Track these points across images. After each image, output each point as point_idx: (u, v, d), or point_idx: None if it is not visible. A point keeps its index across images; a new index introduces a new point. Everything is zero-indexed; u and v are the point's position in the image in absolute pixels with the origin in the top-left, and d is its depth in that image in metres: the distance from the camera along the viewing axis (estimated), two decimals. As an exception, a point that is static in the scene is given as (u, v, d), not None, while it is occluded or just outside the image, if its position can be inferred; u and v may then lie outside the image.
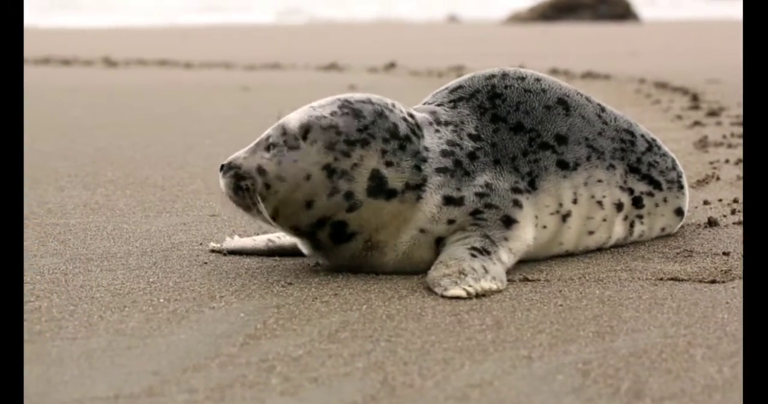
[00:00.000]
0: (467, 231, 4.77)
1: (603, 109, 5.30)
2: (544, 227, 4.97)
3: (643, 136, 5.38)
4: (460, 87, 5.11)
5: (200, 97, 12.95)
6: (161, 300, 4.43)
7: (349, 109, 4.73)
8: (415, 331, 4.01)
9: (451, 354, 3.75)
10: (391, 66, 16.74)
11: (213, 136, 9.65)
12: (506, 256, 4.78)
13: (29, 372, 3.61)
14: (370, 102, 4.79)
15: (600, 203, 5.13)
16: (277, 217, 4.72)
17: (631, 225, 5.28)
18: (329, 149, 4.67)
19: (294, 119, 4.74)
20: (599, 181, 5.12)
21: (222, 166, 4.77)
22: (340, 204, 4.67)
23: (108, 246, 5.39)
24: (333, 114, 4.72)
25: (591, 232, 5.14)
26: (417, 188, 4.73)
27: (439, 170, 4.77)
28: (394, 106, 4.84)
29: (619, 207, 5.21)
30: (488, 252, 4.72)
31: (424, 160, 4.77)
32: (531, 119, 5.06)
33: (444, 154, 4.81)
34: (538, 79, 5.20)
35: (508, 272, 4.77)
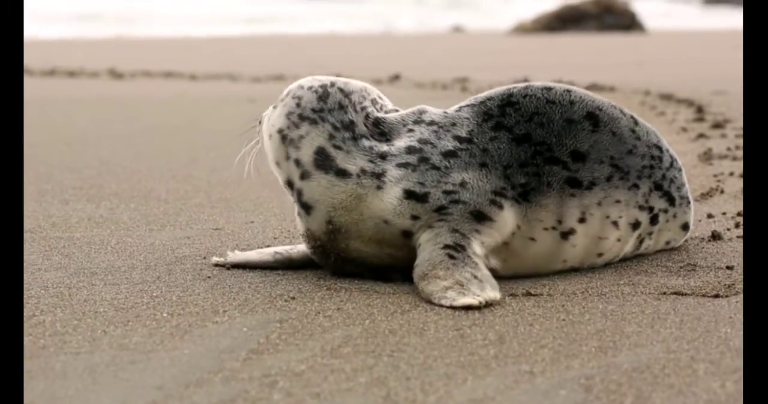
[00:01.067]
0: (435, 227, 4.78)
1: (636, 123, 5.21)
2: (532, 239, 4.94)
3: (668, 150, 5.32)
4: (479, 95, 5.12)
5: (206, 109, 12.97)
6: (164, 315, 4.44)
7: (323, 90, 5.01)
8: (417, 346, 4.01)
9: (454, 370, 3.75)
10: (396, 78, 16.75)
11: (218, 148, 9.66)
12: (479, 249, 4.78)
13: (33, 387, 3.62)
14: (346, 94, 5.00)
15: (615, 223, 5.08)
16: (275, 167, 5.09)
17: (641, 241, 5.26)
18: (286, 117, 4.99)
19: (294, 83, 5.12)
20: (617, 201, 5.07)
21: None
22: (293, 169, 4.95)
23: (112, 260, 5.40)
24: (310, 88, 5.02)
25: (601, 254, 5.10)
26: (375, 177, 4.83)
27: (400, 165, 4.84)
28: (363, 109, 4.97)
29: (636, 226, 5.17)
30: (462, 247, 4.73)
31: (383, 157, 4.86)
32: (544, 132, 5.01)
33: (410, 150, 4.87)
34: (568, 91, 5.11)
35: (511, 287, 4.77)
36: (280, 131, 4.99)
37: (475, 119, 5.00)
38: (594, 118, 5.07)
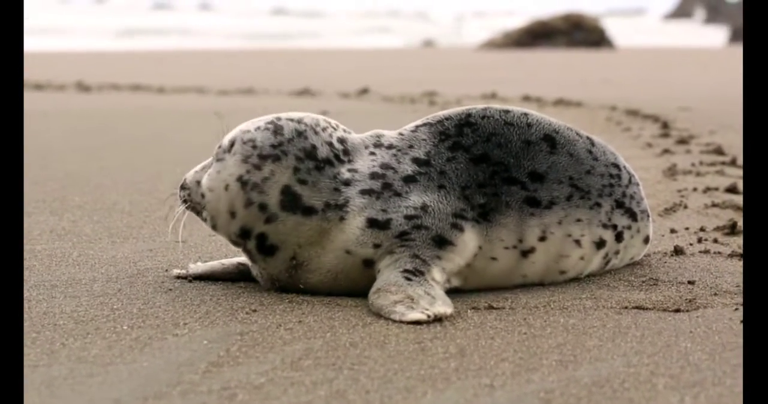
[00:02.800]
0: (396, 253, 4.77)
1: (593, 143, 5.24)
2: (494, 258, 4.94)
3: (625, 167, 5.35)
4: (436, 115, 5.11)
5: (173, 122, 12.94)
6: (124, 328, 4.41)
7: (273, 125, 4.88)
8: (378, 359, 4.00)
9: (414, 383, 3.74)
10: (364, 92, 16.77)
11: (184, 162, 9.62)
12: (439, 275, 4.77)
13: (-11, 400, 3.59)
14: (297, 121, 4.90)
15: (577, 241, 5.09)
16: (216, 226, 4.94)
17: (608, 262, 5.26)
18: (244, 162, 4.83)
19: (229, 134, 4.95)
20: (578, 220, 5.08)
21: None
22: (257, 215, 4.81)
23: (73, 273, 5.37)
24: (257, 129, 4.88)
25: (563, 271, 5.10)
26: (338, 208, 4.77)
27: (364, 192, 4.80)
28: (324, 129, 4.91)
29: (600, 244, 5.17)
30: (421, 273, 4.72)
31: (347, 183, 4.80)
32: (502, 152, 5.02)
33: (373, 176, 4.84)
34: (525, 114, 5.14)
35: (473, 300, 4.77)
36: (239, 178, 4.80)
37: (432, 140, 5.00)
38: (551, 140, 5.10)
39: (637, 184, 5.40)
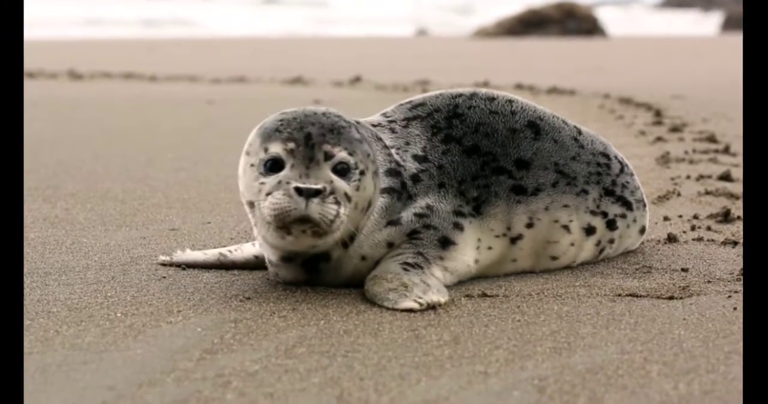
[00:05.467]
0: (401, 248, 4.75)
1: (579, 132, 5.25)
2: (490, 248, 4.94)
3: (616, 156, 5.35)
4: (422, 104, 5.08)
5: (164, 111, 12.92)
6: (118, 315, 4.41)
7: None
8: (372, 347, 4.00)
9: (408, 370, 3.74)
10: (357, 80, 16.75)
11: (176, 149, 9.62)
12: (440, 273, 4.75)
13: (-17, 387, 3.58)
14: (343, 119, 4.66)
15: (566, 227, 5.09)
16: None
17: (601, 250, 5.26)
18: (375, 175, 4.66)
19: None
20: (565, 205, 5.08)
21: (314, 191, 4.42)
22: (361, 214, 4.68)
23: (66, 261, 5.36)
24: (349, 125, 4.60)
25: (555, 257, 5.10)
26: (365, 210, 4.69)
27: (384, 190, 4.76)
28: (358, 122, 4.82)
29: (590, 231, 5.17)
30: (420, 267, 4.70)
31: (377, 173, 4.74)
32: (490, 142, 5.01)
33: (389, 173, 4.80)
34: (510, 101, 5.14)
35: (468, 287, 4.77)
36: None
37: (425, 134, 4.98)
38: (535, 126, 5.11)
39: (631, 174, 5.39)
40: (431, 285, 4.59)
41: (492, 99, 5.11)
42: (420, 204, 4.79)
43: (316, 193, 4.39)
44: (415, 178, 4.84)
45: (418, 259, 4.72)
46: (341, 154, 4.51)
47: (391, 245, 4.75)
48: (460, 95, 5.10)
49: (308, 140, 4.49)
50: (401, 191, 4.78)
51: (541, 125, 5.12)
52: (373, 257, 4.75)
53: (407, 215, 4.76)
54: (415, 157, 4.89)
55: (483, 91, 5.17)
